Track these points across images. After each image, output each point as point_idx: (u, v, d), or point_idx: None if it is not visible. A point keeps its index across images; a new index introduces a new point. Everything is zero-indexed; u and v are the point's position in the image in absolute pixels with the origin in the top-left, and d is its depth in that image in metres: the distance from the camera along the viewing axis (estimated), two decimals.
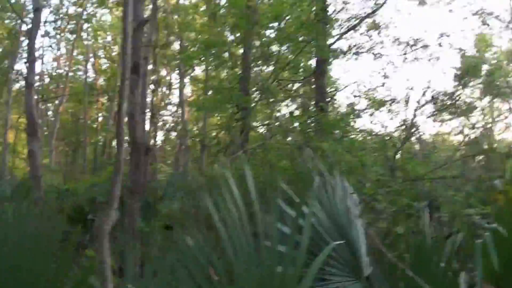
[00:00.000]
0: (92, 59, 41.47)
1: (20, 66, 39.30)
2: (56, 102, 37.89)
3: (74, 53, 38.63)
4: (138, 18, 11.66)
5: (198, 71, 30.94)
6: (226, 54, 19.44)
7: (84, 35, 38.65)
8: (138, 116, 11.91)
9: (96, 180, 19.70)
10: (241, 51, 19.26)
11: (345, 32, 19.01)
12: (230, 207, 3.99)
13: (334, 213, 5.38)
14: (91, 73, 42.30)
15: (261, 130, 16.51)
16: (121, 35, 20.57)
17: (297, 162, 10.56)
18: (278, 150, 12.85)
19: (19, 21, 31.21)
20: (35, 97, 17.16)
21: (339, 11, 19.59)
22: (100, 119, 44.09)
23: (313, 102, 18.22)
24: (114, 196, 6.26)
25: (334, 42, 18.49)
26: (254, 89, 17.56)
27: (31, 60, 16.45)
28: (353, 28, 19.19)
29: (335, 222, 5.26)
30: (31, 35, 16.76)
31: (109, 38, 42.02)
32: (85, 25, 37.42)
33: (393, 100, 17.39)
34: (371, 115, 17.13)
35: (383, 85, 18.60)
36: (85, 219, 14.30)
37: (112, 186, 6.32)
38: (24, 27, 30.33)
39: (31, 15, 20.63)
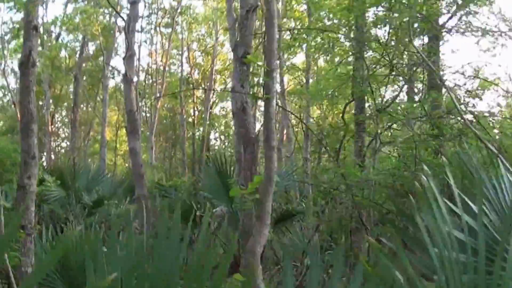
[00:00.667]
0: (186, 53, 41.06)
1: (115, 62, 39.35)
2: (153, 97, 37.73)
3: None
4: (246, 2, 10.77)
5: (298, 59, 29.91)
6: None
7: (178, 28, 38.24)
8: (250, 109, 11.27)
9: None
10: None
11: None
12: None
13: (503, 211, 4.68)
14: (185, 67, 42.06)
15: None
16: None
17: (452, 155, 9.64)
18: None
19: (113, 17, 31.06)
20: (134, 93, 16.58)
21: None
22: (196, 113, 43.70)
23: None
24: (266, 209, 5.43)
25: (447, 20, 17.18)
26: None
27: (129, 55, 15.99)
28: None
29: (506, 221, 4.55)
30: (128, 28, 16.19)
31: (202, 31, 41.57)
32: (179, 18, 37.00)
33: None
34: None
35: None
36: (193, 216, 13.72)
37: (262, 197, 5.49)
38: (119, 22, 30.08)
39: (126, 10, 20.16)
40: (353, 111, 15.81)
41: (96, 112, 38.05)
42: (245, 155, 10.91)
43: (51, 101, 34.89)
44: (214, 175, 14.36)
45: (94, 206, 17.41)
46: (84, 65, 35.40)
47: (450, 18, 15.66)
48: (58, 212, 16.38)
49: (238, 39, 11.17)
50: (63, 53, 34.98)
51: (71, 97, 36.21)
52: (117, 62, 39.32)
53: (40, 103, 34.02)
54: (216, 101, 42.32)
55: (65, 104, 40.41)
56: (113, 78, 36.37)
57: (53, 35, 33.60)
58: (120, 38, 35.51)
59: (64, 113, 42.53)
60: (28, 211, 8.33)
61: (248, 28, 10.65)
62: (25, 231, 8.27)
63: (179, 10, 35.00)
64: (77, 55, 35.16)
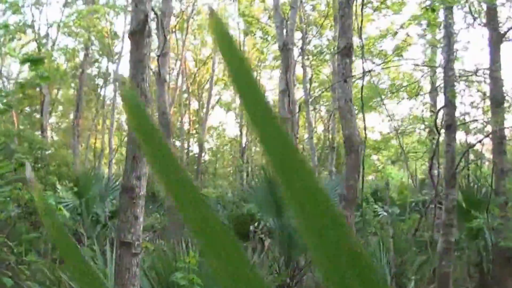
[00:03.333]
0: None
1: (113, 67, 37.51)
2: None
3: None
4: None
5: None
6: None
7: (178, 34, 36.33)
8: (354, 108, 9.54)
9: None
10: None
11: None
12: None
13: None
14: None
15: None
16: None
17: None
18: None
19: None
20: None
21: None
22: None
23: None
24: None
25: None
26: None
27: (164, 53, 14.28)
28: None
29: None
30: (162, 24, 14.43)
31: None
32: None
33: None
34: None
35: None
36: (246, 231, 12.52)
37: None
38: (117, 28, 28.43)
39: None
40: None
41: (98, 118, 35.97)
42: (348, 161, 9.32)
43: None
44: (263, 186, 12.58)
45: (111, 217, 15.57)
46: (89, 69, 33.38)
47: None
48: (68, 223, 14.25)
49: (338, 30, 9.81)
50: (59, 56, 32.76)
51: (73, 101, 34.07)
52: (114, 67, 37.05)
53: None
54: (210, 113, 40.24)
55: (60, 108, 38.20)
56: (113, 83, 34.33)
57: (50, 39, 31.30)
58: (119, 43, 33.23)
59: (53, 119, 40.12)
60: (137, 222, 6.16)
61: (349, 17, 9.29)
62: (131, 249, 6.12)
63: (194, 12, 33.05)
64: (80, 58, 33.03)
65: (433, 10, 11.17)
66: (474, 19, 12.50)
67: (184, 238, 13.97)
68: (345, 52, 8.98)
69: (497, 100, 13.12)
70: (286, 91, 15.10)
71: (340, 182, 15.54)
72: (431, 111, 21.22)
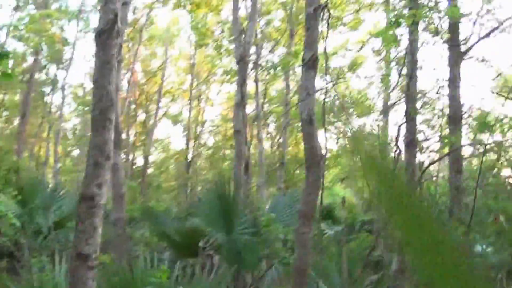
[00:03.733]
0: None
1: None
2: None
3: None
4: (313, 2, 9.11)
5: None
6: None
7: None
8: (315, 121, 9.30)
9: None
10: None
11: None
12: None
13: None
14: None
15: None
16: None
17: None
18: None
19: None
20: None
21: None
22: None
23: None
24: None
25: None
26: None
27: (118, 60, 13.73)
28: None
29: None
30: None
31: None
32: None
33: None
34: None
35: None
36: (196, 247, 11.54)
37: None
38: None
39: None
40: None
41: (44, 125, 35.07)
42: (308, 176, 8.94)
43: None
44: (213, 201, 12.12)
45: (56, 228, 14.83)
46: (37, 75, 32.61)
47: None
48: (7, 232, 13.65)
49: (304, 41, 9.50)
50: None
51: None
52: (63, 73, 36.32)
53: None
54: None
55: (5, 113, 37.17)
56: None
57: None
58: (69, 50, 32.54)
59: None
60: (95, 233, 5.79)
61: (315, 29, 9.14)
62: (87, 262, 5.77)
63: (147, 22, 32.42)
64: (29, 63, 32.29)
65: (399, 24, 11.04)
66: (437, 35, 12.46)
67: (130, 251, 13.56)
68: (310, 64, 8.76)
69: (455, 118, 13.09)
70: (241, 104, 14.84)
71: (294, 198, 15.37)
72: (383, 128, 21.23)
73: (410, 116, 10.60)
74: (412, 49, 10.87)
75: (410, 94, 10.71)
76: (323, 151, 9.46)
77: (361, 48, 19.12)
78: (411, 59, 10.84)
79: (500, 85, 20.73)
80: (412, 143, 10.75)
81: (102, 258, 6.24)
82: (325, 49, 10.83)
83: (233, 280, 10.78)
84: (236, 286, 10.89)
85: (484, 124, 10.02)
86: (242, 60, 15.07)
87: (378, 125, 22.66)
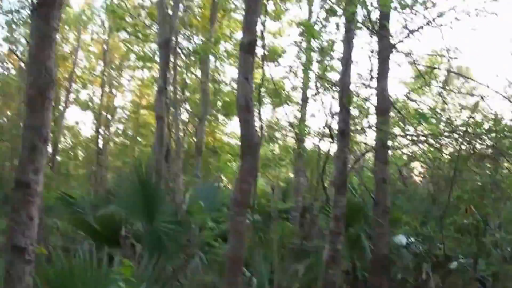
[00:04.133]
0: None
1: None
2: None
3: None
4: None
5: None
6: None
7: None
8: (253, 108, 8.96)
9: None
10: None
11: None
12: None
13: None
14: None
15: None
16: None
17: None
18: None
19: None
20: None
21: None
22: None
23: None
24: None
25: None
26: None
27: None
28: None
29: None
30: None
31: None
32: None
33: None
34: None
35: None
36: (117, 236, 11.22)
37: None
38: None
39: None
40: None
41: None
42: (243, 163, 8.65)
43: None
44: (134, 188, 11.66)
45: None
46: None
47: None
48: None
49: (242, 25, 9.15)
50: None
51: None
52: None
53: None
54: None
55: None
56: None
57: None
58: None
59: None
60: (32, 223, 5.25)
61: (255, 13, 8.84)
62: (24, 255, 5.22)
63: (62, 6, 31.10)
64: None
65: (334, 13, 10.83)
66: (368, 28, 12.27)
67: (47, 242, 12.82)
68: (249, 48, 8.45)
69: (381, 110, 12.96)
70: (163, 89, 14.35)
71: (215, 187, 15.02)
72: (300, 119, 21.09)
73: (344, 106, 10.35)
74: (348, 38, 10.62)
75: (345, 83, 10.46)
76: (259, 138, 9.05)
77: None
78: (347, 48, 10.59)
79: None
80: (345, 133, 10.51)
81: (39, 250, 5.65)
82: (262, 33, 10.51)
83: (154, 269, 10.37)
84: (158, 276, 10.46)
85: (422, 115, 9.88)
86: (165, 44, 14.57)
87: (295, 116, 22.56)
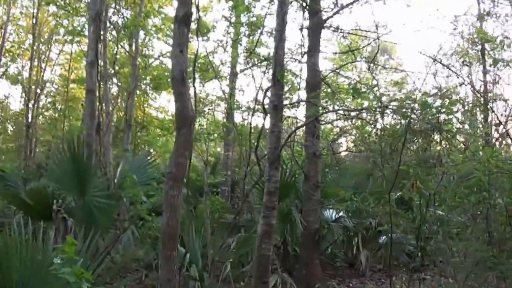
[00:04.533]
0: None
1: None
2: None
3: None
4: None
5: None
6: None
7: None
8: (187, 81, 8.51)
9: None
10: None
11: None
12: None
13: None
14: None
15: None
16: None
17: None
18: None
19: None
20: None
21: None
22: None
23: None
24: None
25: None
26: None
27: None
28: None
29: None
30: None
31: None
32: None
33: None
34: None
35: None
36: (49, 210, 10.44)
37: None
38: None
39: None
40: None
41: None
42: (178, 137, 8.30)
43: None
44: (66, 163, 11.12)
45: None
46: None
47: None
48: None
49: None
50: None
51: None
52: None
53: None
54: None
55: None
56: None
57: None
58: None
59: None
60: None
61: None
62: None
63: None
64: None
65: None
66: (300, 2, 11.93)
67: None
68: (183, 20, 8.02)
69: (312, 85, 12.69)
70: (95, 62, 13.66)
71: (145, 161, 14.47)
72: (230, 94, 20.78)
73: (277, 80, 9.95)
74: (282, 12, 10.17)
75: (278, 57, 10.04)
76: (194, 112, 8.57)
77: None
78: (280, 22, 10.14)
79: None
80: (277, 108, 10.12)
81: None
82: (197, 5, 9.98)
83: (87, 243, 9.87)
84: (90, 250, 9.96)
85: (355, 90, 9.57)
86: (97, 17, 13.84)
87: (223, 91, 22.27)
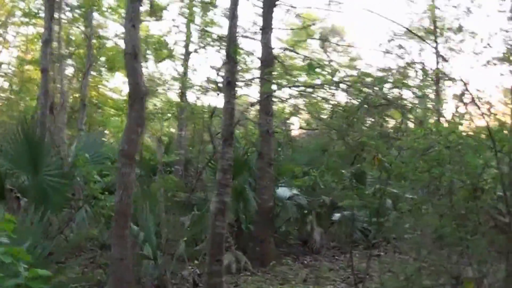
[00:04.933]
0: None
1: None
2: None
3: None
4: None
5: None
6: None
7: None
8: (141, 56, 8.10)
9: None
10: None
11: None
12: None
13: None
14: None
15: None
16: None
17: None
18: None
19: None
20: None
21: None
22: None
23: None
24: None
25: None
26: None
27: None
28: None
29: None
30: None
31: None
32: None
33: None
34: None
35: None
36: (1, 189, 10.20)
37: None
38: None
39: None
40: None
41: None
42: (131, 113, 8.03)
43: None
44: (19, 141, 10.67)
45: None
46: None
47: None
48: None
49: None
50: None
51: None
52: None
53: None
54: None
55: None
56: None
57: None
58: None
59: None
60: None
61: None
62: None
63: None
64: None
65: None
66: None
67: None
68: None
69: (266, 62, 12.36)
70: (49, 41, 13.20)
71: (99, 140, 13.96)
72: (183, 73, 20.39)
73: (231, 57, 9.51)
74: None
75: (232, 34, 9.61)
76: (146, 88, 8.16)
77: None
78: None
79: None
80: (231, 84, 9.69)
81: None
82: None
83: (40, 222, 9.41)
84: (44, 229, 9.51)
85: (310, 67, 9.19)
86: None
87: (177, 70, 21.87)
